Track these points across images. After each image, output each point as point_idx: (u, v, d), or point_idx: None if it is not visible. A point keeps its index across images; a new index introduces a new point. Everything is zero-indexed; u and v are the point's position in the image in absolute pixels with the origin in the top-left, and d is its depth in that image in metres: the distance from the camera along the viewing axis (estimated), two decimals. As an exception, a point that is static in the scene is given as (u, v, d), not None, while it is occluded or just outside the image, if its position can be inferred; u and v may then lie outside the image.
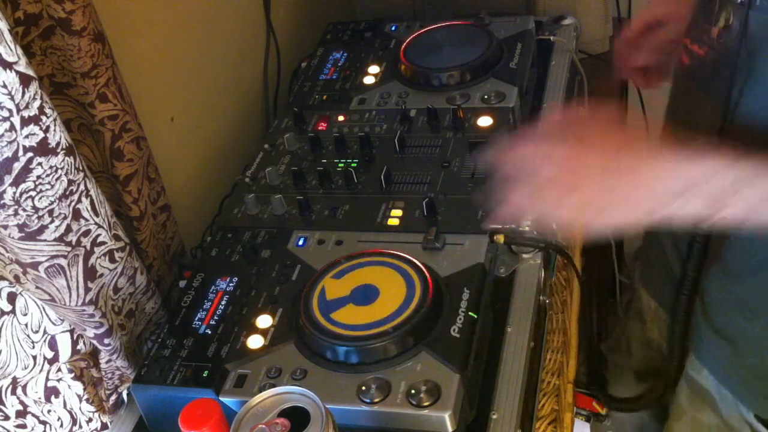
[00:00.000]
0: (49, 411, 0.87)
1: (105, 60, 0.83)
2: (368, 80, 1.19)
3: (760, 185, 0.65)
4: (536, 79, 1.21)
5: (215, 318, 0.87)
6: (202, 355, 0.83)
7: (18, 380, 0.84)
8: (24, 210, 0.71)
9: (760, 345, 0.86)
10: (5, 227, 0.72)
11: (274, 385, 0.72)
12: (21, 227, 0.72)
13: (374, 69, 1.21)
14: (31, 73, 0.67)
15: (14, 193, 0.70)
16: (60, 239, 0.76)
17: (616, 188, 0.68)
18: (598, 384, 1.23)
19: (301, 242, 0.94)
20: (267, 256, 0.93)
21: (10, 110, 0.66)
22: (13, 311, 0.82)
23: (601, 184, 0.68)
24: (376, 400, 0.75)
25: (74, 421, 0.90)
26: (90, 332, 0.84)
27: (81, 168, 0.76)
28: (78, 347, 0.87)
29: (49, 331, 0.85)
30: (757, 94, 0.76)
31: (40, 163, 0.71)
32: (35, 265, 0.76)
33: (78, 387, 0.88)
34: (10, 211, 0.71)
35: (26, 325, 0.83)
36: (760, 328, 0.85)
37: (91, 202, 0.78)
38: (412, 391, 0.74)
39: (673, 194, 0.67)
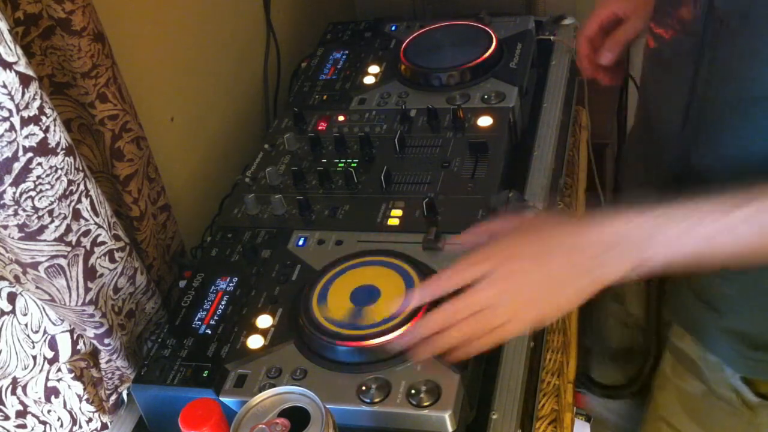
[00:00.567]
0: (49, 411, 0.87)
1: (105, 60, 0.83)
2: (368, 80, 1.19)
3: (673, 226, 0.67)
4: (536, 79, 1.21)
5: (215, 318, 0.87)
6: (202, 355, 0.83)
7: (18, 380, 0.84)
8: (24, 210, 0.71)
9: (738, 307, 0.87)
10: (5, 227, 0.72)
11: (274, 385, 0.72)
12: (21, 227, 0.72)
13: (374, 69, 1.21)
14: (30, 73, 0.67)
15: (14, 193, 0.70)
16: (60, 239, 0.76)
17: (543, 286, 0.71)
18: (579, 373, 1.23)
19: (301, 242, 0.94)
20: (267, 256, 0.93)
21: (10, 110, 0.66)
22: (13, 311, 0.82)
23: (532, 285, 0.71)
24: (376, 400, 0.75)
25: (74, 421, 0.90)
26: (90, 332, 0.84)
27: (81, 168, 0.76)
28: (78, 347, 0.87)
29: (49, 331, 0.85)
30: (724, 70, 0.77)
31: (40, 163, 0.71)
32: (35, 265, 0.76)
33: (78, 387, 0.88)
34: (10, 211, 0.71)
35: (26, 325, 0.83)
36: (737, 290, 0.86)
37: (91, 202, 0.78)
38: (412, 391, 0.74)
39: (594, 262, 0.69)
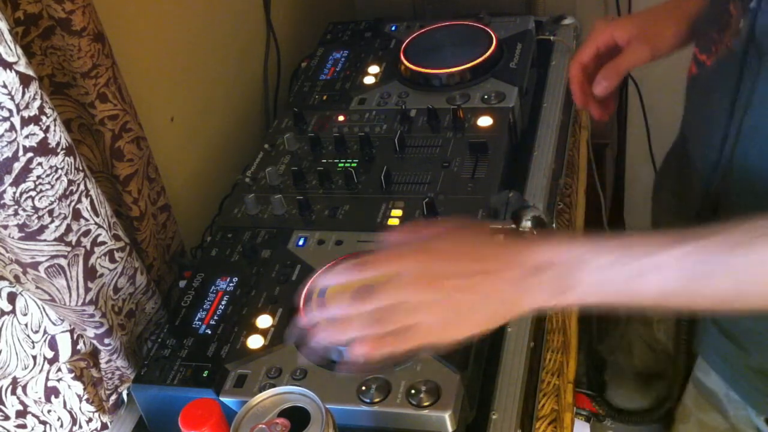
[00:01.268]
0: (49, 411, 0.87)
1: (105, 60, 0.83)
2: (368, 80, 1.19)
3: (599, 257, 0.62)
4: (536, 79, 1.21)
5: (215, 318, 0.87)
6: (202, 355, 0.83)
7: (18, 380, 0.84)
8: (24, 210, 0.71)
9: (765, 344, 0.85)
10: (5, 227, 0.72)
11: (274, 385, 0.72)
12: (21, 227, 0.72)
13: (374, 69, 1.21)
14: (31, 73, 0.67)
15: (14, 193, 0.70)
16: (60, 239, 0.76)
17: (463, 298, 0.65)
18: (598, 388, 1.22)
19: (301, 242, 0.94)
20: (267, 256, 0.93)
21: (10, 110, 0.66)
22: (13, 311, 0.82)
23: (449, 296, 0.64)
24: (376, 400, 0.75)
25: (74, 421, 0.90)
26: (90, 332, 0.84)
27: (81, 168, 0.76)
28: (78, 347, 0.87)
29: (49, 331, 0.85)
30: (763, 99, 0.74)
31: (40, 163, 0.71)
32: (35, 265, 0.76)
33: (78, 387, 0.88)
34: (10, 211, 0.71)
35: (26, 325, 0.83)
36: (764, 326, 0.84)
37: (91, 202, 0.78)
38: (412, 391, 0.75)
39: (514, 286, 0.64)
